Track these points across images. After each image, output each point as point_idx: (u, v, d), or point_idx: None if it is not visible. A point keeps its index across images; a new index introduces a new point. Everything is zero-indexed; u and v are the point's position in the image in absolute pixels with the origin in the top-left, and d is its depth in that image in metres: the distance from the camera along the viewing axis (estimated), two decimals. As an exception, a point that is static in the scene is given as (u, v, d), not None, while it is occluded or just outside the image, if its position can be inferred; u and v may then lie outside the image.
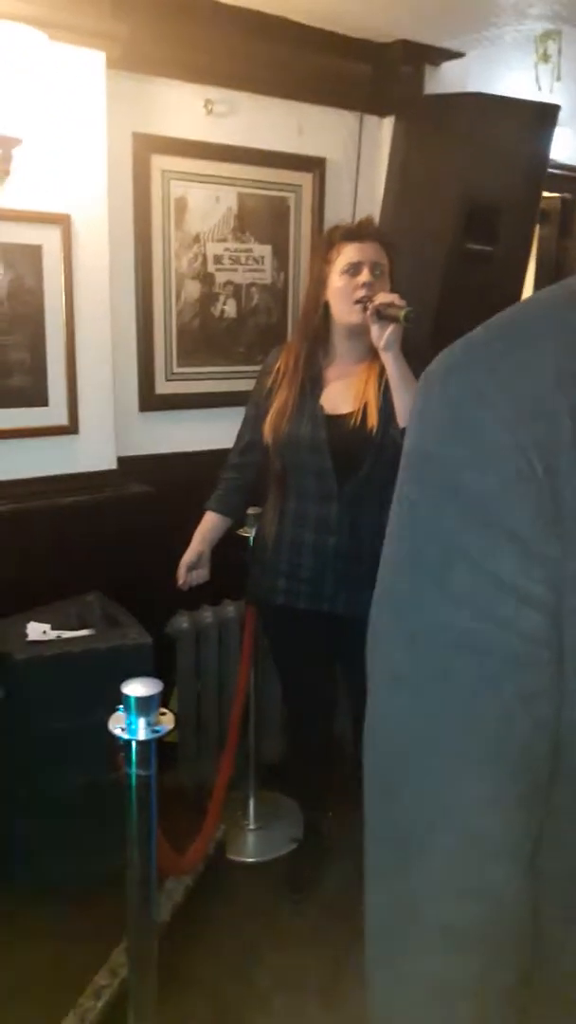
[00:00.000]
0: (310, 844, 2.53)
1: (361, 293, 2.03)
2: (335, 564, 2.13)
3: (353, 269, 2.04)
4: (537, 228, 3.39)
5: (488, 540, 0.54)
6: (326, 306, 2.11)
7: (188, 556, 2.38)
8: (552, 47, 3.34)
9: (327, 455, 2.08)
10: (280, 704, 2.80)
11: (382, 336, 1.96)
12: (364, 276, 2.03)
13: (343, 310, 2.07)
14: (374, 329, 1.98)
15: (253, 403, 2.26)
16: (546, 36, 3.26)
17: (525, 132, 2.68)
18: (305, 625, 2.24)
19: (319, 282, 2.11)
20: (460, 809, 0.58)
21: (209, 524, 2.38)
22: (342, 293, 2.06)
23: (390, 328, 1.95)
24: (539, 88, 3.37)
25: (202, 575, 2.42)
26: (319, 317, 2.13)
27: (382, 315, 1.95)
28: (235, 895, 2.40)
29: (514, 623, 0.54)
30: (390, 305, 1.95)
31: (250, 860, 2.56)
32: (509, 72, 3.27)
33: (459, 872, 0.59)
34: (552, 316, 0.58)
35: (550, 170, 3.03)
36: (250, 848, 2.60)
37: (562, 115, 2.85)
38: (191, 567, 2.40)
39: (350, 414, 2.08)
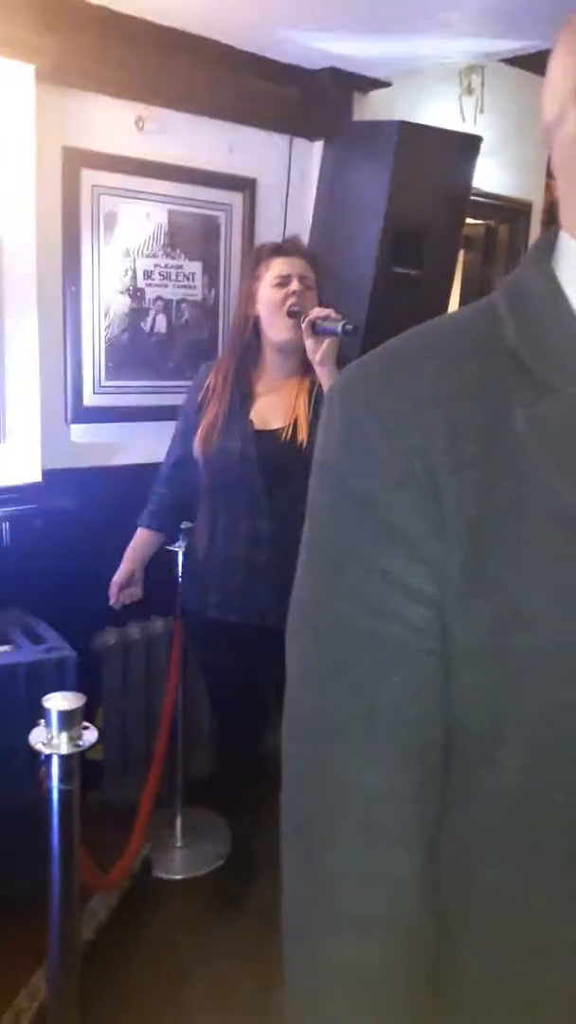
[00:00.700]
0: (239, 859, 2.52)
1: (292, 301, 2.06)
2: (266, 577, 2.15)
3: (282, 281, 2.08)
4: (462, 254, 3.49)
5: (377, 539, 0.60)
6: (256, 322, 2.13)
7: (120, 575, 2.38)
8: (476, 80, 3.47)
9: (257, 470, 2.10)
10: (208, 720, 2.80)
11: (318, 350, 1.98)
12: (294, 286, 2.07)
13: (275, 324, 2.10)
14: (309, 343, 1.99)
15: (184, 417, 2.27)
16: (470, 70, 3.39)
17: (450, 161, 2.77)
18: (236, 639, 2.25)
19: (249, 297, 2.14)
20: (358, 798, 0.61)
21: (141, 541, 2.37)
22: (273, 304, 2.09)
23: (326, 342, 1.97)
24: (463, 119, 3.49)
25: (135, 593, 2.41)
26: (249, 333, 2.15)
27: (317, 329, 1.97)
28: (162, 912, 2.38)
29: (401, 616, 0.59)
30: (325, 318, 1.97)
31: (178, 877, 2.54)
32: (435, 102, 3.38)
33: (360, 860, 0.62)
34: (436, 341, 0.66)
35: (475, 198, 3.13)
36: (177, 865, 2.58)
37: (486, 146, 2.95)
38: (123, 586, 2.38)
39: (280, 429, 2.11)
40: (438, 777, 0.62)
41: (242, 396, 2.15)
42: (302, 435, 2.07)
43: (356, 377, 0.66)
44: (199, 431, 2.16)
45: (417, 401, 0.60)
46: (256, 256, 2.16)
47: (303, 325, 2.00)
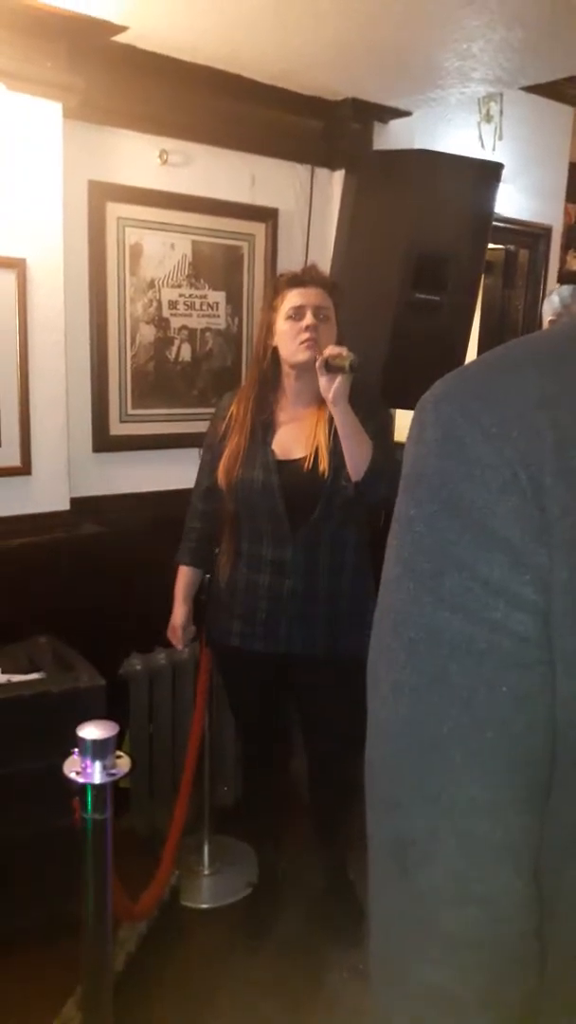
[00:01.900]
0: (266, 888, 2.51)
1: (305, 336, 2.06)
2: (290, 606, 2.15)
3: (296, 313, 2.08)
4: (482, 278, 3.51)
5: (478, 547, 0.58)
6: (275, 352, 2.15)
7: (179, 618, 2.36)
8: (494, 108, 3.51)
9: (279, 499, 2.10)
10: (234, 747, 2.80)
11: (330, 388, 1.98)
12: (307, 319, 2.07)
13: (289, 351, 2.11)
14: (322, 381, 2.00)
15: (208, 447, 2.28)
16: (488, 98, 3.42)
17: (471, 188, 2.79)
18: (260, 667, 2.25)
19: (267, 328, 2.15)
20: (461, 812, 0.59)
21: (188, 580, 2.36)
22: (287, 336, 2.10)
23: (338, 379, 1.97)
24: (482, 146, 3.52)
25: (192, 631, 2.41)
26: (268, 362, 2.17)
27: (330, 367, 1.98)
28: (190, 942, 2.37)
29: (505, 625, 0.57)
30: (337, 356, 1.97)
31: (205, 906, 2.52)
32: (454, 130, 3.41)
33: (461, 878, 0.60)
34: (534, 348, 0.64)
35: (494, 223, 3.15)
36: (205, 894, 2.56)
37: (505, 172, 2.97)
38: (184, 627, 2.38)
39: (302, 459, 2.11)
40: (544, 788, 0.61)
41: (264, 426, 2.17)
42: (323, 464, 2.08)
43: (452, 386, 0.64)
44: (221, 461, 2.17)
45: (519, 406, 0.58)
46: (273, 287, 2.17)
47: (317, 365, 2.00)
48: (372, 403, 2.15)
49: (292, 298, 2.10)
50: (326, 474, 2.07)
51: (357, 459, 2.01)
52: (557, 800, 0.61)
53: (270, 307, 2.14)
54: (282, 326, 2.10)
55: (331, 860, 2.51)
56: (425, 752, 0.61)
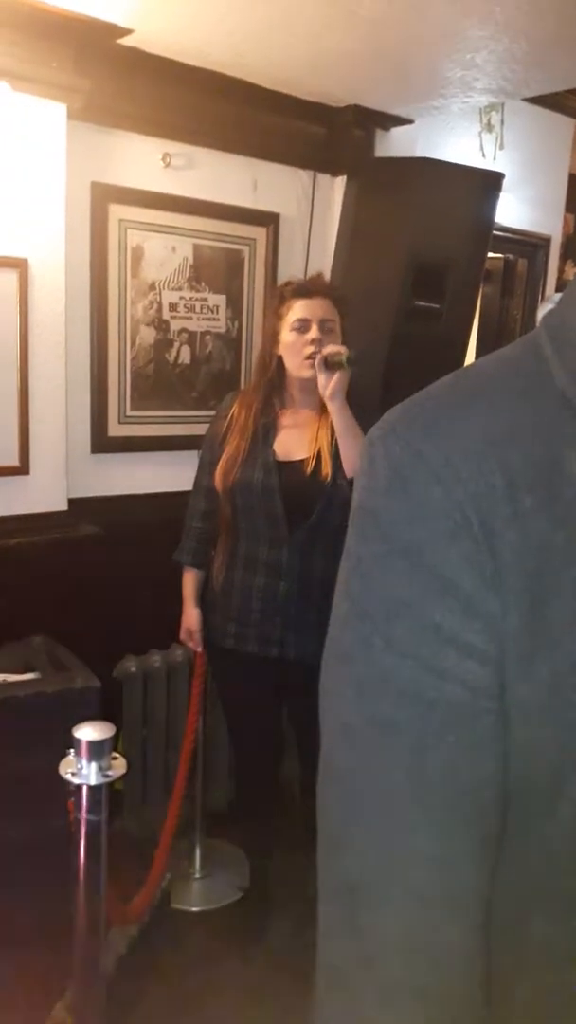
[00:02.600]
0: (257, 892, 2.50)
1: (310, 350, 2.06)
2: (285, 609, 2.15)
3: (302, 325, 2.09)
4: (481, 287, 3.52)
5: (428, 593, 0.55)
6: (280, 360, 2.15)
7: (192, 621, 2.34)
8: (496, 118, 3.53)
9: (278, 501, 2.11)
10: (227, 751, 2.79)
11: (327, 385, 2.00)
12: (313, 333, 2.08)
13: (294, 364, 2.12)
14: (320, 379, 2.02)
15: (208, 448, 2.28)
16: (490, 107, 3.44)
17: (472, 197, 2.80)
18: (254, 669, 2.25)
19: (272, 336, 2.16)
20: (406, 865, 0.57)
21: (193, 582, 2.34)
22: (292, 348, 2.10)
23: (336, 376, 1.99)
24: (483, 155, 3.54)
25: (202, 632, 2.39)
26: (273, 370, 2.17)
27: (328, 364, 2.00)
28: (180, 945, 2.36)
29: (456, 674, 0.55)
30: (335, 354, 1.99)
31: (195, 909, 2.52)
32: (455, 139, 3.43)
33: (407, 930, 0.58)
34: (485, 379, 0.62)
35: (494, 232, 3.17)
36: (196, 897, 2.56)
37: (505, 181, 2.99)
38: (199, 629, 2.35)
39: (303, 461, 2.12)
40: (495, 840, 0.58)
41: (265, 428, 2.17)
42: (326, 468, 2.09)
43: (400, 420, 0.61)
44: (220, 464, 2.18)
45: (468, 445, 0.56)
46: (279, 295, 2.17)
47: (316, 363, 2.02)
48: (371, 407, 2.16)
49: (298, 309, 2.10)
50: (328, 477, 2.08)
51: (353, 455, 2.02)
52: (515, 851, 0.59)
53: (275, 315, 2.15)
54: (287, 337, 2.11)
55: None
56: (371, 800, 0.59)
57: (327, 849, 0.63)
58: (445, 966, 0.58)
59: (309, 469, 2.10)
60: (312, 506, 2.10)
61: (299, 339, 2.09)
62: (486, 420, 0.56)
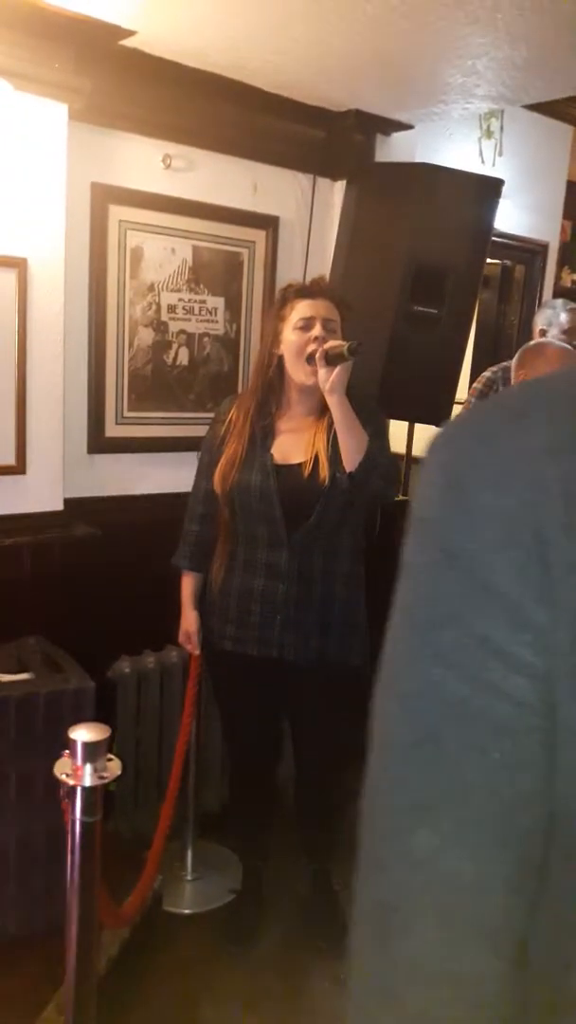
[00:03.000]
0: (249, 894, 2.50)
1: (313, 347, 2.07)
2: (284, 611, 2.16)
3: (306, 324, 2.10)
4: (479, 292, 3.53)
5: (478, 602, 0.54)
6: (280, 360, 2.16)
7: (190, 624, 2.35)
8: (495, 124, 3.54)
9: (276, 504, 2.11)
10: (221, 752, 2.79)
11: (328, 379, 2.01)
12: (316, 330, 2.09)
13: (295, 367, 2.12)
14: (321, 373, 2.02)
15: (207, 451, 2.29)
16: (489, 114, 3.46)
17: (471, 202, 2.81)
18: (253, 671, 2.25)
19: (273, 337, 2.16)
20: (443, 886, 0.56)
21: (192, 585, 2.35)
22: (295, 347, 2.11)
23: (336, 369, 2.00)
24: (482, 161, 3.55)
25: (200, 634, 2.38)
26: (273, 371, 2.18)
27: (330, 358, 2.00)
28: (172, 947, 2.36)
29: (501, 688, 0.53)
30: (337, 347, 2.00)
31: (187, 911, 2.51)
32: (455, 145, 3.44)
33: (438, 955, 0.56)
34: (547, 390, 0.61)
35: (492, 238, 3.18)
36: (187, 899, 2.55)
37: (504, 188, 3.00)
38: (197, 631, 2.35)
39: (301, 464, 2.13)
40: (534, 867, 0.56)
41: (263, 431, 2.18)
42: (323, 471, 2.09)
43: (458, 430, 0.61)
44: (218, 467, 2.18)
45: (525, 455, 0.55)
46: (282, 296, 2.18)
47: (316, 357, 2.03)
48: (370, 409, 2.17)
49: (301, 309, 2.11)
50: (325, 481, 2.08)
51: (352, 449, 2.03)
52: (559, 887, 0.57)
53: (277, 316, 2.16)
54: (290, 336, 2.12)
55: (316, 868, 2.51)
56: (413, 815, 0.57)
57: (366, 866, 0.61)
58: (471, 1002, 0.56)
59: (307, 472, 2.11)
60: (310, 509, 2.11)
61: (302, 337, 2.10)
62: (547, 430, 0.55)
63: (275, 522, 2.12)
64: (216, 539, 2.28)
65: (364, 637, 2.27)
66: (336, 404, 2.03)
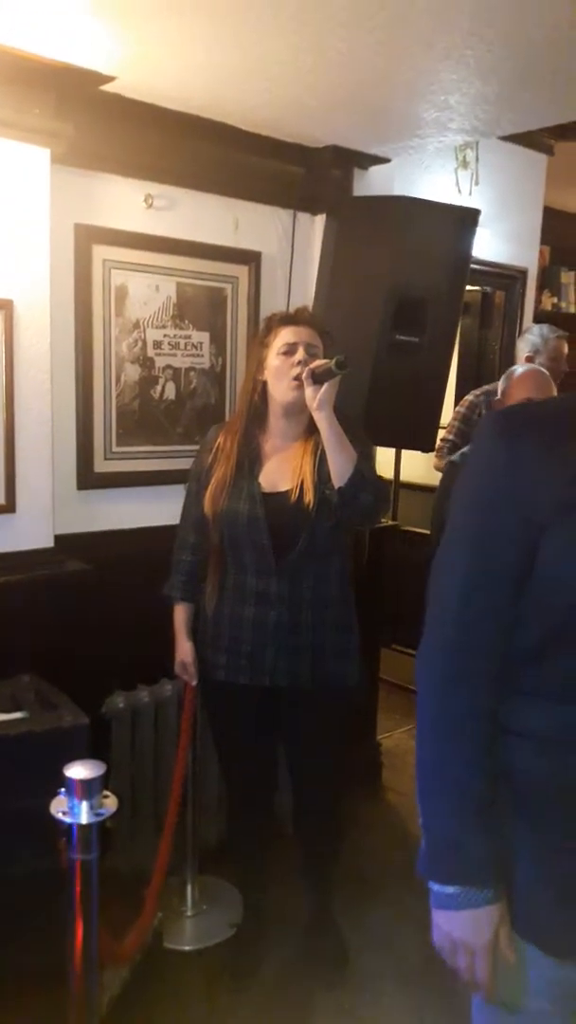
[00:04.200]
0: (250, 929, 2.48)
1: (297, 371, 2.10)
2: (275, 637, 2.17)
3: (289, 349, 2.13)
4: (460, 319, 3.58)
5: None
6: (264, 387, 2.19)
7: (185, 654, 2.34)
8: (471, 155, 3.62)
9: (265, 532, 2.13)
10: (218, 785, 2.78)
11: (315, 396, 2.02)
12: (299, 355, 2.12)
13: (280, 388, 2.15)
14: (308, 391, 2.03)
15: (195, 479, 2.31)
16: (465, 145, 3.53)
17: (449, 232, 2.86)
18: (246, 700, 2.26)
19: (257, 364, 2.20)
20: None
21: (185, 615, 2.36)
22: (279, 372, 2.14)
23: (323, 387, 2.01)
24: (459, 191, 3.62)
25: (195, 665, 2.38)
26: (258, 397, 2.21)
27: (316, 377, 2.02)
28: (173, 985, 2.34)
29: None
30: (323, 364, 2.01)
31: (188, 948, 2.49)
32: (431, 176, 3.51)
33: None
34: None
35: (472, 266, 3.23)
36: (188, 935, 2.53)
37: (482, 216, 3.06)
38: (193, 661, 2.35)
39: (288, 491, 2.14)
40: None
41: (250, 458, 2.20)
42: (308, 496, 2.11)
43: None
44: (208, 491, 2.20)
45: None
46: (267, 325, 2.22)
47: (303, 376, 2.04)
48: (356, 431, 2.18)
49: (285, 335, 2.15)
50: (311, 505, 2.10)
51: (341, 465, 2.04)
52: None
53: (262, 344, 2.19)
54: (273, 361, 2.15)
55: (316, 899, 2.50)
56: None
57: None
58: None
59: (294, 499, 2.13)
60: (298, 536, 2.13)
61: (286, 362, 2.13)
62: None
63: (264, 550, 2.14)
64: (206, 568, 2.29)
65: (357, 660, 2.28)
66: (324, 420, 2.03)
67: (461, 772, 1.14)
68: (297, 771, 2.38)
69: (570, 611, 1.09)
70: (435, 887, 1.16)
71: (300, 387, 2.08)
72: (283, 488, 2.16)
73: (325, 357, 2.16)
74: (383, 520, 2.31)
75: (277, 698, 2.24)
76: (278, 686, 2.20)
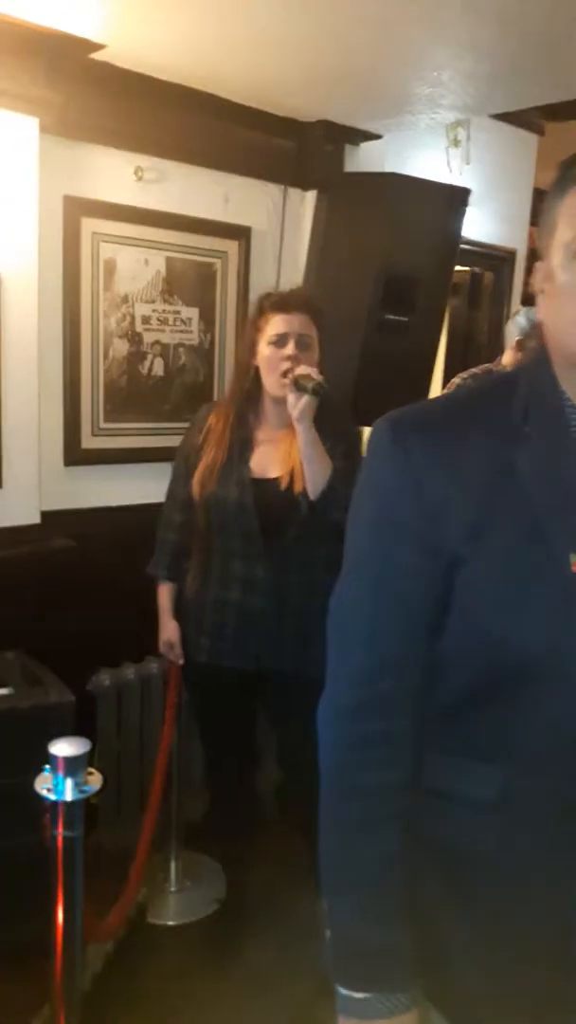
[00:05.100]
0: (233, 904, 2.49)
1: (286, 366, 2.06)
2: (260, 624, 2.15)
3: (279, 340, 2.09)
4: (448, 300, 3.57)
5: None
6: (257, 371, 2.15)
7: (173, 633, 2.31)
8: (462, 133, 3.59)
9: (253, 518, 2.11)
10: (203, 762, 2.79)
11: (296, 406, 2.00)
12: (289, 349, 2.07)
13: (270, 381, 2.12)
14: (290, 398, 2.02)
15: (183, 458, 2.27)
16: (456, 123, 3.50)
17: (439, 211, 2.85)
18: (229, 683, 2.24)
19: (250, 347, 2.16)
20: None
21: (168, 595, 2.33)
22: (269, 363, 2.10)
23: (304, 399, 1.99)
24: (450, 170, 3.60)
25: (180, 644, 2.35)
26: (250, 381, 2.17)
27: (298, 385, 2.00)
28: (157, 960, 2.35)
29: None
30: (305, 377, 1.99)
31: (172, 923, 2.51)
32: (423, 154, 3.48)
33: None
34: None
35: (461, 246, 3.22)
36: (172, 911, 2.55)
37: (472, 196, 3.04)
38: (179, 640, 2.32)
39: (278, 478, 2.12)
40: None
41: (241, 443, 2.17)
42: (299, 485, 2.08)
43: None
44: (197, 473, 2.17)
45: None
46: (259, 307, 2.18)
47: (287, 380, 2.03)
48: (342, 427, 2.17)
49: (276, 324, 2.10)
50: (301, 493, 2.08)
51: (315, 478, 2.03)
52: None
53: (254, 327, 2.15)
54: (264, 350, 2.11)
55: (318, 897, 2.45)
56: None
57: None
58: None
59: (283, 486, 2.10)
60: (286, 523, 2.11)
61: (276, 353, 2.09)
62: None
63: (252, 536, 2.12)
64: (188, 549, 2.27)
65: None
66: (301, 432, 2.02)
67: (370, 863, 0.97)
68: (288, 759, 2.34)
69: (494, 660, 0.90)
70: (342, 991, 0.98)
71: (287, 383, 2.04)
72: (273, 475, 2.13)
73: (320, 342, 2.13)
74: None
75: (262, 680, 2.23)
76: (262, 669, 2.19)
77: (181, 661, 2.35)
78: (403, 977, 0.96)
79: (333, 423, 2.09)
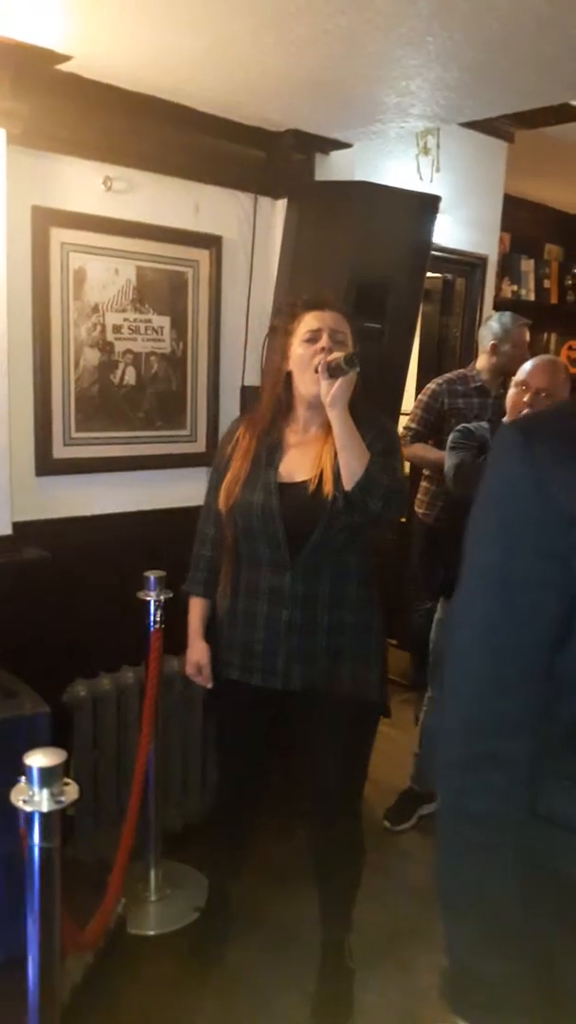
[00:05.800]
0: (215, 912, 2.48)
1: (319, 359, 1.99)
2: (288, 639, 2.07)
3: (313, 336, 2.03)
4: (421, 306, 3.60)
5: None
6: (289, 377, 2.09)
7: (199, 654, 2.24)
8: (432, 141, 3.62)
9: (279, 522, 2.03)
10: (182, 771, 2.79)
11: (328, 392, 1.95)
12: (323, 342, 2.02)
13: (304, 380, 2.05)
14: (323, 386, 1.96)
15: (215, 472, 2.21)
16: (426, 132, 3.54)
17: (410, 219, 2.87)
18: (257, 702, 2.17)
19: (281, 353, 2.09)
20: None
21: (202, 612, 2.26)
22: (303, 360, 2.04)
23: (337, 382, 1.93)
24: (420, 178, 3.63)
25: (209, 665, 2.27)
26: (282, 388, 2.11)
27: (331, 371, 1.95)
28: (137, 970, 2.34)
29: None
30: (336, 358, 1.94)
31: (152, 932, 2.50)
32: (393, 162, 3.51)
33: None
34: None
35: (432, 253, 3.25)
36: (152, 920, 2.54)
37: (442, 203, 3.07)
38: (208, 662, 2.24)
39: (305, 481, 2.05)
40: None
41: (270, 449, 2.11)
42: (328, 487, 2.00)
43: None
44: (223, 485, 2.12)
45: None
46: (290, 311, 2.11)
47: (319, 367, 1.97)
48: (380, 425, 2.09)
49: (309, 321, 2.05)
50: (329, 496, 2.00)
51: (351, 467, 1.96)
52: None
53: (285, 331, 2.09)
54: (298, 349, 2.05)
55: (330, 930, 2.33)
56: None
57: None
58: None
59: (311, 489, 2.02)
60: (313, 527, 2.02)
61: (310, 349, 2.03)
62: None
63: (277, 542, 2.04)
64: (218, 563, 2.21)
65: (380, 668, 2.16)
66: (336, 418, 1.96)
67: (484, 891, 0.94)
68: (310, 778, 2.23)
69: None
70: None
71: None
72: (300, 478, 2.06)
73: (351, 346, 2.07)
74: (396, 517, 2.19)
75: (291, 699, 2.13)
76: (291, 690, 2.10)
77: (209, 685, 2.25)
78: (515, 1009, 0.93)
79: (368, 419, 2.02)
